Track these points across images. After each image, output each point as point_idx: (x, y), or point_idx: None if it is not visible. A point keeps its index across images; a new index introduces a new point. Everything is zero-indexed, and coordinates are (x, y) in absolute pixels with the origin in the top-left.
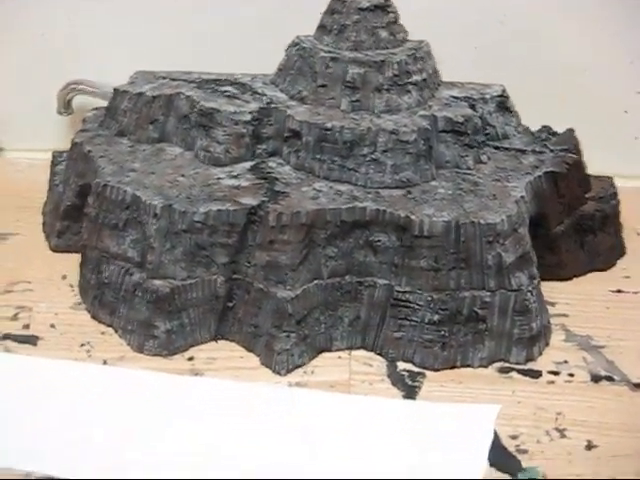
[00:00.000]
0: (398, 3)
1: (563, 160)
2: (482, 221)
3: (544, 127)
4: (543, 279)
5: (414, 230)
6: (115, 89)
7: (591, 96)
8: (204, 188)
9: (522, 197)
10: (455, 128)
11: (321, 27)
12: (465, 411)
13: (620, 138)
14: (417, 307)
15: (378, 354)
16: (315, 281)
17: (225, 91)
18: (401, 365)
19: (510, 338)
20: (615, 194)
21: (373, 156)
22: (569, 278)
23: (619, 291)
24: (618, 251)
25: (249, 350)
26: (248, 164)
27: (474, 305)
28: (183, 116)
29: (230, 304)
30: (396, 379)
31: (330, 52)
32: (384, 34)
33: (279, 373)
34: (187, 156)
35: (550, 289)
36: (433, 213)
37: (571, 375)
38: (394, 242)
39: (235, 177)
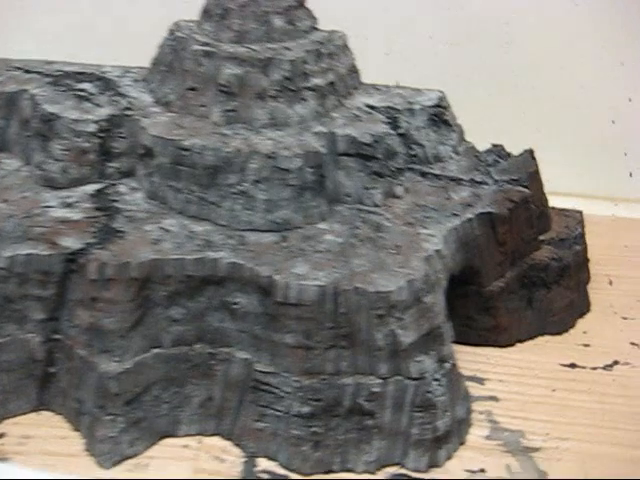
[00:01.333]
0: None
1: (507, 197)
2: (371, 288)
3: (495, 147)
4: (475, 345)
5: (278, 295)
6: None
7: (572, 105)
8: (24, 220)
9: (437, 251)
10: (360, 151)
11: (205, 11)
12: None
13: (607, 154)
14: (283, 394)
15: (236, 445)
16: (154, 350)
17: (81, 89)
18: (263, 463)
19: (407, 439)
20: (581, 236)
21: (241, 187)
22: (511, 344)
23: (572, 365)
24: (580, 308)
25: (75, 429)
26: (92, 188)
27: (359, 396)
28: (24, 121)
29: (52, 369)
30: None
31: (205, 45)
32: (279, 22)
33: (103, 465)
34: (23, 173)
35: (484, 359)
36: (306, 273)
37: None
38: (256, 306)
39: (69, 206)
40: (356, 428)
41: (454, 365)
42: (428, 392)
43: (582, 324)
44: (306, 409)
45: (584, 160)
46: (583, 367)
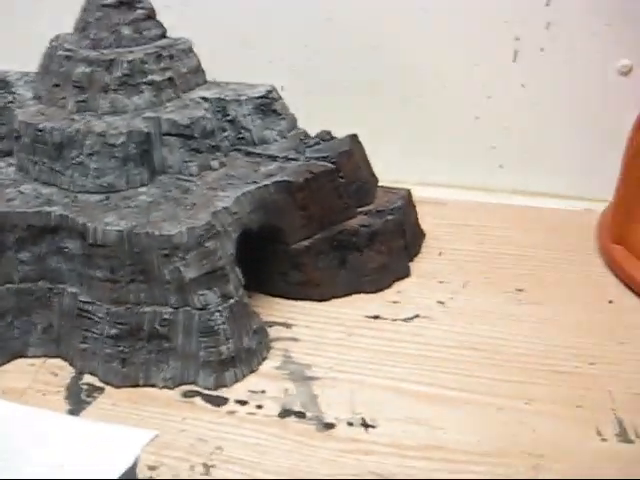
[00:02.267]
0: None
1: (308, 169)
2: (157, 232)
3: (323, 132)
4: (294, 298)
5: (89, 238)
6: None
7: (438, 101)
8: None
9: (225, 208)
10: (180, 131)
11: (75, 24)
12: (113, 433)
13: (476, 148)
14: (97, 319)
15: (70, 364)
16: (7, 285)
17: None
18: (87, 378)
19: (197, 360)
20: (399, 208)
21: (79, 159)
22: (326, 299)
23: (376, 317)
24: (396, 271)
25: None
26: None
27: (155, 322)
28: None
29: None
30: (72, 393)
31: (67, 50)
32: (127, 32)
33: None
34: None
35: (298, 310)
36: (112, 221)
37: (259, 407)
38: (79, 249)
39: None
40: (156, 350)
41: (238, 302)
42: (210, 320)
43: (398, 286)
44: (114, 331)
45: (454, 154)
46: (385, 319)
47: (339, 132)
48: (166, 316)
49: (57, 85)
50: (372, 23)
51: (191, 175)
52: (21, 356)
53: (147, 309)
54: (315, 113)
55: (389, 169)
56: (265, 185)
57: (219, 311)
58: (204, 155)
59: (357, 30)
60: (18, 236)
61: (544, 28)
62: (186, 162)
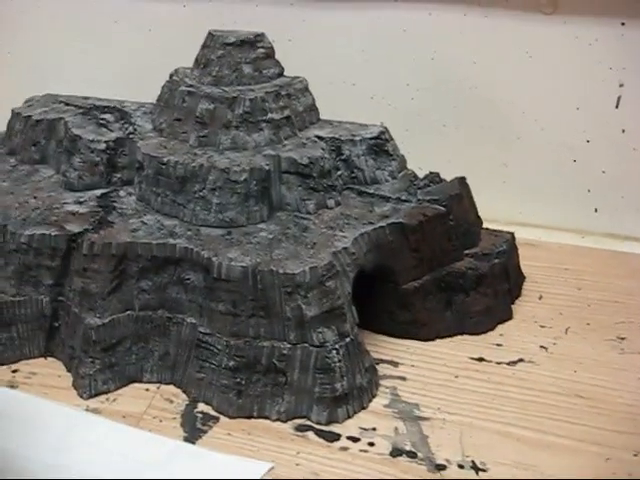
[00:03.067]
0: None
1: (421, 212)
2: (281, 270)
3: (431, 174)
4: (399, 337)
5: (214, 272)
6: (12, 110)
7: (537, 144)
8: (45, 212)
9: (345, 249)
10: (299, 170)
11: (195, 60)
12: (231, 463)
13: (572, 191)
14: (216, 351)
15: (184, 392)
16: (127, 312)
17: (102, 119)
18: (201, 406)
19: (311, 395)
20: (504, 252)
21: (201, 193)
22: (431, 339)
23: (480, 359)
24: (500, 315)
25: (69, 370)
26: (100, 191)
27: (273, 356)
28: (59, 140)
29: (56, 324)
30: (188, 420)
31: (190, 86)
32: (247, 70)
33: (82, 396)
34: (54, 179)
35: (404, 348)
36: (236, 257)
37: (371, 444)
38: (201, 282)
39: (80, 203)
40: (271, 383)
41: (354, 340)
42: (327, 358)
43: (501, 328)
44: (232, 363)
45: (551, 196)
46: (489, 361)
47: (437, 170)
48: (284, 351)
49: (179, 119)
50: (475, 64)
51: (308, 213)
52: (136, 381)
53: (265, 343)
54: (414, 151)
55: (486, 208)
56: (381, 226)
57: (336, 349)
58: (321, 194)
59: (460, 71)
60: (141, 266)
61: None
62: (304, 200)
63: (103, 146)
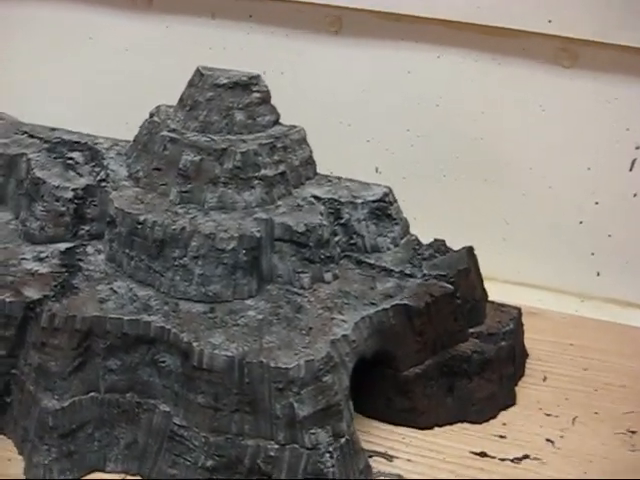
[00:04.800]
0: None
1: (428, 291)
2: (273, 363)
3: (436, 241)
4: (395, 424)
5: (194, 360)
6: None
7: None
8: (0, 269)
9: (344, 336)
10: (294, 238)
11: (180, 100)
12: None
13: (575, 253)
14: (192, 446)
15: None
16: (90, 394)
17: (70, 158)
18: None
19: None
20: (511, 332)
21: (182, 261)
22: (430, 427)
23: (482, 454)
24: (503, 400)
25: (20, 453)
26: (64, 245)
27: (258, 457)
28: (20, 180)
29: (8, 399)
30: None
31: (172, 131)
32: (240, 116)
33: None
34: (12, 225)
35: (399, 438)
36: (220, 343)
37: None
38: (178, 367)
39: (40, 260)
40: None
41: (349, 441)
42: (319, 462)
43: (504, 416)
44: (210, 463)
45: (552, 256)
46: (493, 457)
47: (432, 225)
48: (271, 453)
49: (158, 169)
50: (482, 114)
51: (302, 288)
52: (98, 470)
53: (250, 442)
54: (409, 200)
55: (483, 265)
56: (384, 309)
57: (329, 452)
58: (317, 266)
59: (465, 120)
60: (109, 343)
61: None
62: (298, 273)
63: (70, 194)
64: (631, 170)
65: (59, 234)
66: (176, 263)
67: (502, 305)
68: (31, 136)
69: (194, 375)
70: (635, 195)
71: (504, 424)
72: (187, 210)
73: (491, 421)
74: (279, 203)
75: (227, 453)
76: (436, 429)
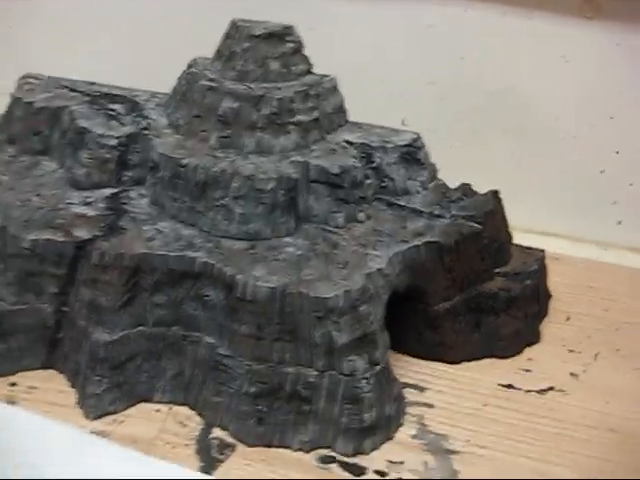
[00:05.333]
0: None
1: (457, 229)
2: (312, 293)
3: (463, 185)
4: (425, 358)
5: (238, 292)
6: (11, 95)
7: (565, 154)
8: (49, 212)
9: (379, 270)
10: (329, 180)
11: (217, 51)
12: None
13: (596, 201)
14: (236, 374)
15: (199, 414)
16: (139, 327)
17: (111, 109)
18: (216, 432)
19: (337, 426)
20: (535, 272)
21: (223, 201)
22: (457, 362)
23: (509, 386)
24: (528, 338)
25: (72, 385)
26: (109, 191)
27: (298, 383)
28: (63, 131)
29: (59, 335)
30: (203, 447)
31: (211, 81)
32: (275, 66)
33: (88, 417)
34: (57, 174)
35: (430, 371)
36: (262, 276)
37: None
38: (221, 300)
39: (87, 204)
40: (295, 411)
41: (384, 369)
42: (356, 387)
43: (529, 352)
44: (253, 389)
45: (574, 205)
46: (519, 389)
47: (459, 174)
48: (310, 379)
49: (198, 116)
50: (506, 65)
51: (337, 227)
52: (146, 400)
53: (290, 369)
54: (435, 151)
55: (507, 215)
56: (416, 245)
57: (366, 378)
58: (351, 206)
59: (490, 71)
60: (156, 279)
61: None
62: (333, 212)
63: (115, 142)
64: None
65: (104, 180)
66: (217, 203)
67: (527, 248)
68: (72, 90)
69: (237, 306)
70: None
71: (529, 359)
72: (227, 154)
73: (517, 357)
74: (313, 148)
75: (269, 380)
76: (464, 363)
